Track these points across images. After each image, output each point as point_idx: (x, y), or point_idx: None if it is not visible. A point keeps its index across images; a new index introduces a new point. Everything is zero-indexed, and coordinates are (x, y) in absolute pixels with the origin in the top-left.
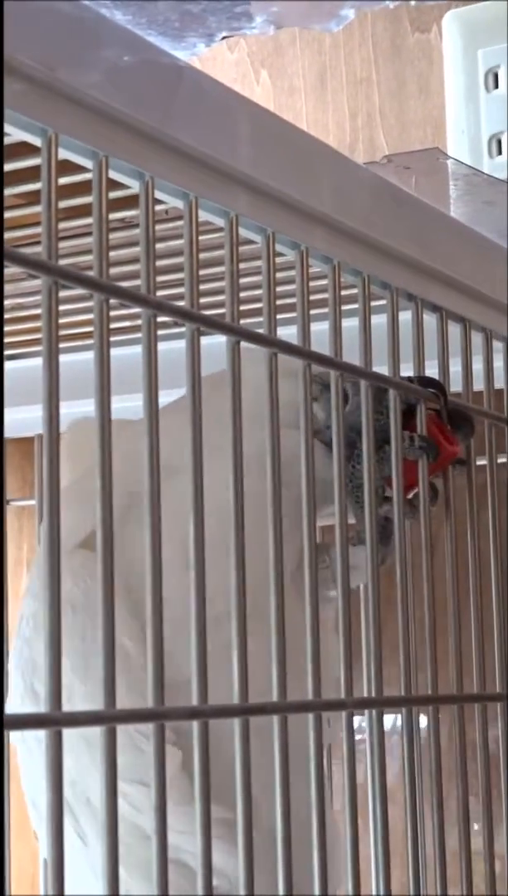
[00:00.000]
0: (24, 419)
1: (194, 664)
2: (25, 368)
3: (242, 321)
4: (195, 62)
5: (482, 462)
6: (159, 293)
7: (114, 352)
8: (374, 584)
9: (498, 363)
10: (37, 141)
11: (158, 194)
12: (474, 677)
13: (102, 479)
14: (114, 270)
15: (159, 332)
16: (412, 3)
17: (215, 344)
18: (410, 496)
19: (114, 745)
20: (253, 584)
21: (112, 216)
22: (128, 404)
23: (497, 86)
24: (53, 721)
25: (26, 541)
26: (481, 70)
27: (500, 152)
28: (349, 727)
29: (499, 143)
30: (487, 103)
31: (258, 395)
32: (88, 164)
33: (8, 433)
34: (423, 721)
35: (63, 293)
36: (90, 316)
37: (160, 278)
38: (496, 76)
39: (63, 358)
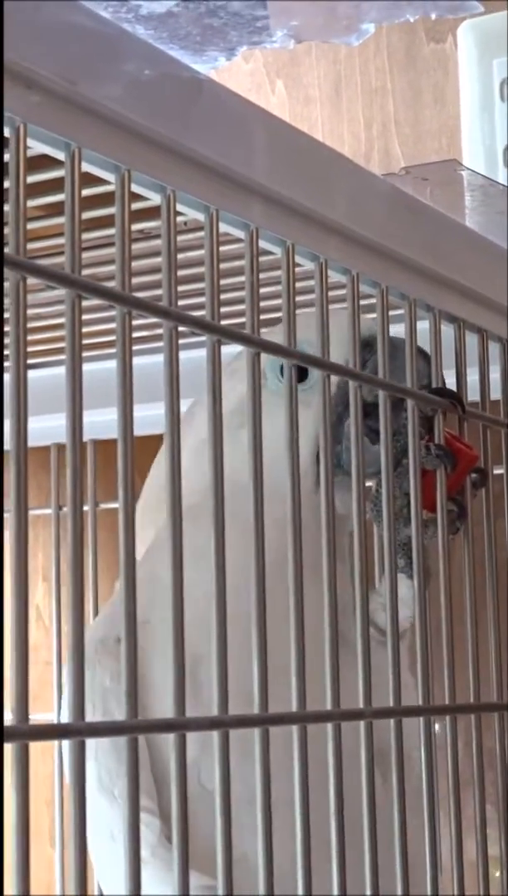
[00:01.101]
0: (41, 428)
1: (215, 674)
2: (43, 378)
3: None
4: (211, 72)
5: (499, 471)
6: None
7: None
8: (393, 600)
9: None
10: (58, 154)
11: (180, 207)
12: (493, 686)
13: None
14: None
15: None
16: (433, 15)
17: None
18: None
19: (136, 756)
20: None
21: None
22: (146, 413)
23: None
24: (76, 731)
25: (41, 549)
26: (496, 80)
27: None
28: (367, 737)
29: None
30: (502, 112)
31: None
32: (111, 177)
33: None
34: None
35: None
36: (105, 326)
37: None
38: None
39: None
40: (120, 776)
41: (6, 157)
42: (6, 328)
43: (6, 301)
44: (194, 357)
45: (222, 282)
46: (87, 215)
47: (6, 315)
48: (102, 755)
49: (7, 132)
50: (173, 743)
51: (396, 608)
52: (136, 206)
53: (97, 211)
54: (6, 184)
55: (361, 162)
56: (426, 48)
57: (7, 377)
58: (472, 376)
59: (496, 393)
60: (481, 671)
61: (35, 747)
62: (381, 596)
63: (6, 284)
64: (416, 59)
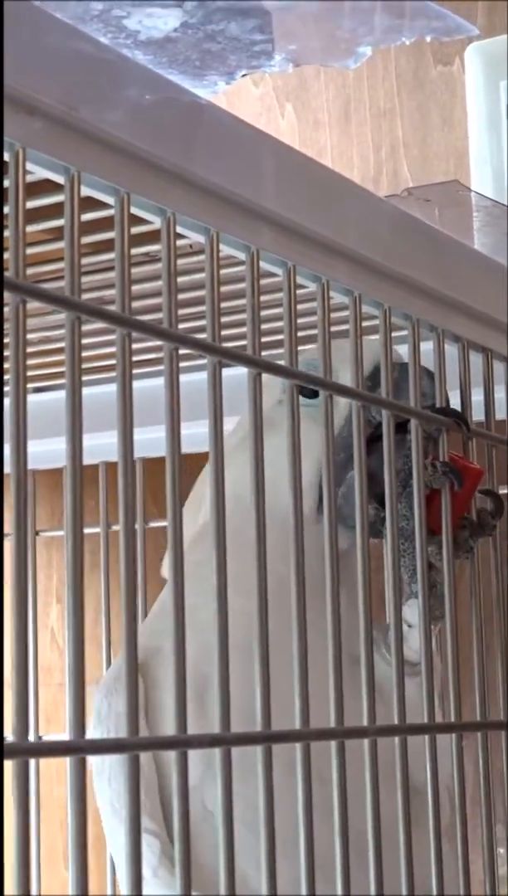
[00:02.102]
0: (55, 451)
1: (217, 692)
2: (55, 400)
3: (262, 353)
4: (221, 96)
5: (504, 491)
6: (181, 326)
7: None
8: (397, 615)
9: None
10: (60, 178)
11: (181, 229)
12: (501, 705)
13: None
14: (135, 304)
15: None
16: (428, 39)
17: (236, 375)
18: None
19: (137, 773)
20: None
21: (134, 251)
22: (149, 436)
23: None
24: (77, 748)
25: (56, 572)
26: (503, 101)
27: None
28: (372, 754)
29: None
30: None
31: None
32: (110, 200)
33: (38, 464)
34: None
35: (87, 326)
36: (109, 350)
37: (183, 311)
38: None
39: (86, 390)
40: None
41: (6, 182)
42: (6, 352)
43: (6, 324)
44: (195, 380)
45: (229, 304)
46: (91, 239)
47: (6, 339)
48: (115, 780)
49: (7, 157)
50: (175, 760)
51: (401, 629)
52: (142, 229)
53: (102, 234)
54: (6, 209)
55: (370, 184)
56: (433, 71)
57: (7, 401)
58: (476, 396)
59: (500, 412)
60: (488, 690)
61: (50, 769)
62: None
63: (6, 308)
64: (424, 81)
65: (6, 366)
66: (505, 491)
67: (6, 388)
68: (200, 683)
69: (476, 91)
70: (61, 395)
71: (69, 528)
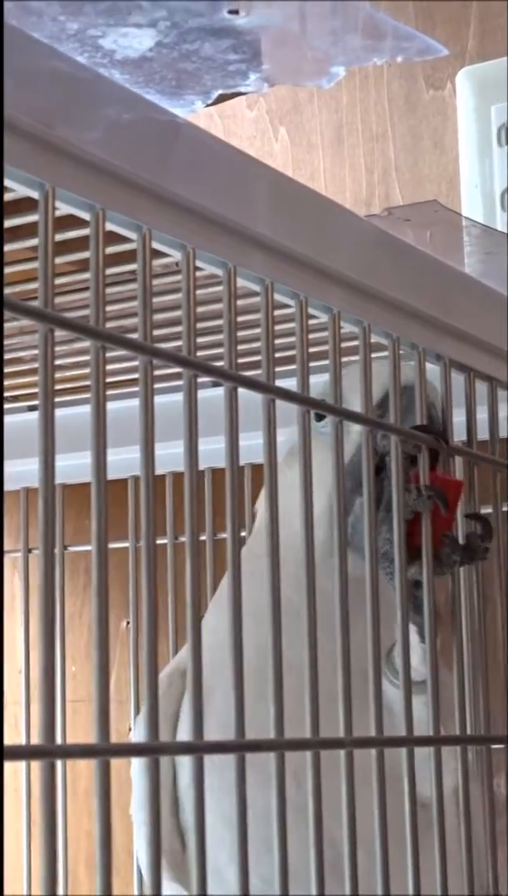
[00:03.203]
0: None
1: (190, 698)
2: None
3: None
4: (216, 119)
5: (486, 510)
6: (172, 344)
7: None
8: (374, 632)
9: (503, 412)
10: (36, 195)
11: (158, 246)
12: (482, 720)
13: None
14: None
15: (163, 385)
16: (399, 59)
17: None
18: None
19: (108, 779)
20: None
21: (124, 269)
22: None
23: None
24: (49, 753)
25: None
26: (494, 125)
27: None
28: (348, 766)
29: None
30: (500, 158)
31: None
32: (86, 216)
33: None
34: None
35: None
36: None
37: (174, 330)
38: None
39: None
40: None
41: None
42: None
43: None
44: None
45: (216, 323)
46: (80, 256)
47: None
48: (137, 776)
49: None
50: (146, 766)
51: (408, 646)
52: (126, 247)
53: (80, 254)
54: None
55: (362, 207)
56: (425, 95)
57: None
58: (458, 417)
59: (482, 433)
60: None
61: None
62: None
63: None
64: (416, 105)
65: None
66: (487, 510)
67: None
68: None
69: (467, 115)
70: (80, 409)
71: (42, 547)
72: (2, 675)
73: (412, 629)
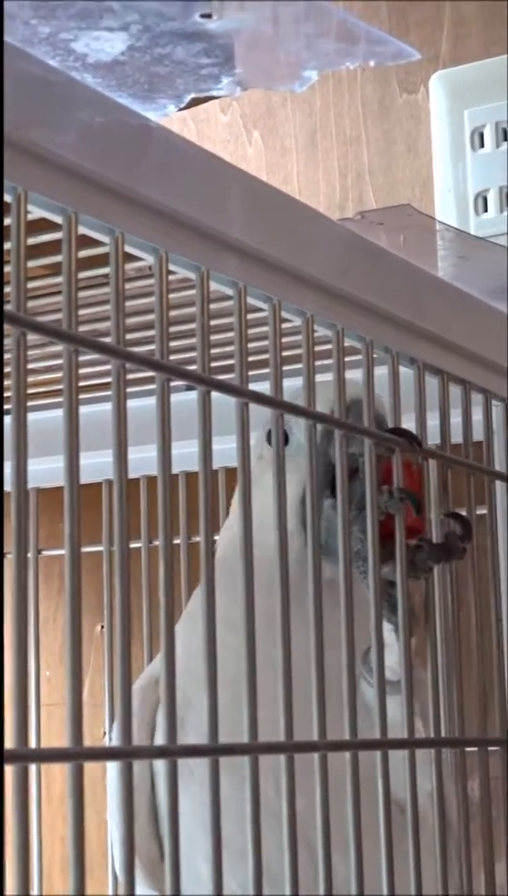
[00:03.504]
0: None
1: (164, 704)
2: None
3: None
4: (190, 123)
5: (462, 512)
6: (147, 348)
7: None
8: (349, 634)
9: (477, 416)
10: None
11: (131, 250)
12: (456, 723)
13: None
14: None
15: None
16: (372, 63)
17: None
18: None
19: (81, 783)
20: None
21: (98, 272)
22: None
23: (482, 145)
24: (21, 756)
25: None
26: (467, 129)
27: (486, 209)
28: (322, 769)
29: (485, 200)
30: (473, 161)
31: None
32: (58, 219)
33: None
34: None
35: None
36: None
37: (148, 334)
38: (481, 135)
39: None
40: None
41: None
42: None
43: None
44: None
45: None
46: (41, 262)
47: None
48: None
49: None
50: (120, 770)
51: (383, 650)
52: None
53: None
54: None
55: (335, 210)
56: (399, 99)
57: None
58: (433, 420)
59: (456, 436)
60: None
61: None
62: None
63: None
64: (389, 109)
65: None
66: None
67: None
68: (182, 706)
69: (440, 119)
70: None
71: (14, 552)
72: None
73: (389, 628)
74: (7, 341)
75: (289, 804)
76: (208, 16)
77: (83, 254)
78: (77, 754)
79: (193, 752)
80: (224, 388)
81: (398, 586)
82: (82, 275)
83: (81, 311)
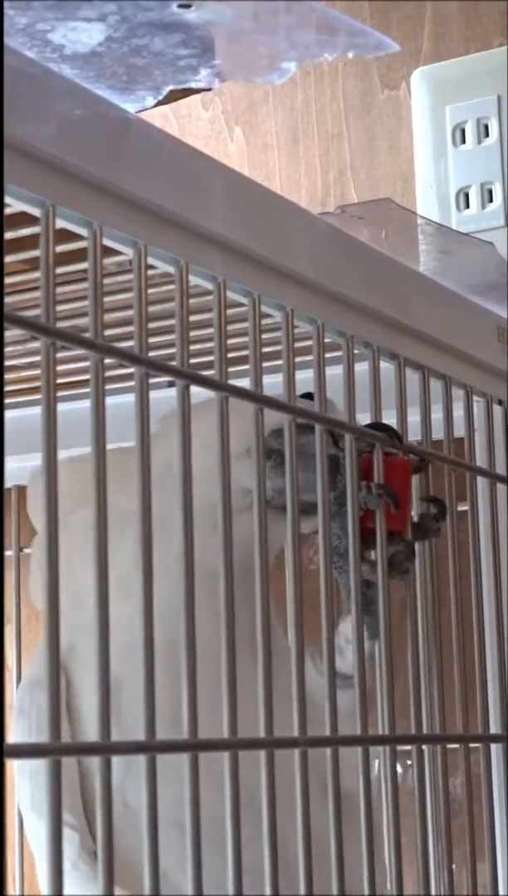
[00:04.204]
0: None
1: (143, 698)
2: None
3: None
4: (172, 119)
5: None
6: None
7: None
8: (329, 629)
9: (458, 411)
10: None
11: (110, 243)
12: (437, 718)
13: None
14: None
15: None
16: (351, 55)
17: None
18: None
19: (59, 779)
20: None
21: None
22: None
23: (464, 141)
24: None
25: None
26: (448, 126)
27: (468, 206)
28: (303, 766)
29: (467, 196)
30: (455, 158)
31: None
32: (36, 212)
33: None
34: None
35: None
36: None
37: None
38: (463, 132)
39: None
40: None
41: None
42: None
43: None
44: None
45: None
46: (21, 257)
47: None
48: (34, 774)
49: None
50: (98, 766)
51: (333, 643)
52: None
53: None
54: None
55: (318, 206)
56: (380, 95)
57: None
58: (413, 416)
59: (437, 432)
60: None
61: None
62: (338, 637)
63: None
64: (371, 105)
65: None
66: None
67: None
68: (113, 689)
69: (422, 115)
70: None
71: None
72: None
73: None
74: None
75: (269, 802)
76: (187, 6)
77: (63, 248)
78: (54, 750)
79: (171, 746)
80: (204, 382)
81: (378, 585)
82: (63, 269)
83: (63, 307)
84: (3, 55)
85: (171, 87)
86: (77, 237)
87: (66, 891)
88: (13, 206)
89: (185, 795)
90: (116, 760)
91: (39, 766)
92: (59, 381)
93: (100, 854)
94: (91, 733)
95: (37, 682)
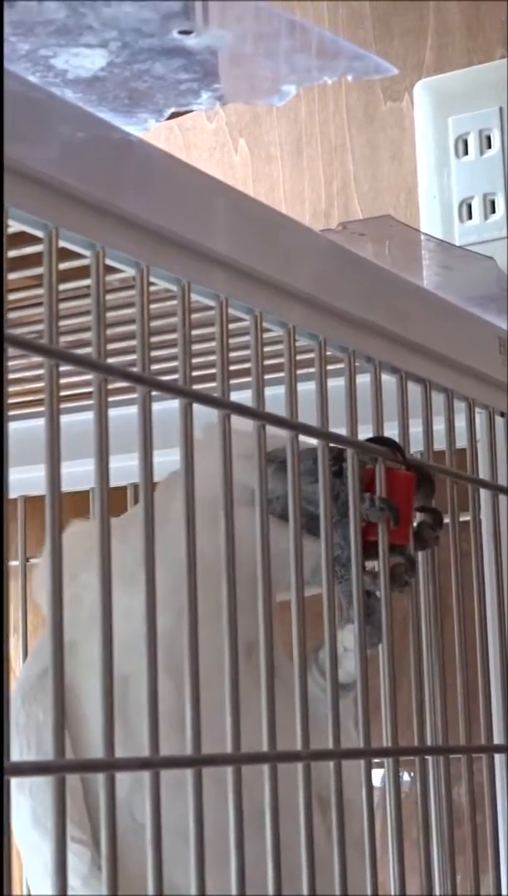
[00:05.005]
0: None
1: (147, 715)
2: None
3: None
4: (176, 132)
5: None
6: (131, 357)
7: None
8: (332, 649)
9: (460, 423)
10: None
11: (113, 263)
12: (440, 730)
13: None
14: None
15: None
16: (350, 78)
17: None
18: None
19: (63, 797)
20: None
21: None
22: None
23: (466, 152)
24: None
25: (11, 602)
26: (451, 137)
27: (471, 217)
28: (306, 779)
29: (469, 207)
30: (457, 169)
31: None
32: (39, 234)
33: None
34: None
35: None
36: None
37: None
38: (465, 143)
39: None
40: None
41: None
42: None
43: None
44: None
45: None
46: (26, 274)
47: None
48: (37, 790)
49: None
50: (102, 783)
51: (335, 656)
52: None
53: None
54: None
55: (321, 218)
56: (383, 107)
57: None
58: (415, 428)
59: (439, 444)
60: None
61: None
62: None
63: None
64: (374, 117)
65: None
66: (446, 521)
67: None
68: (118, 685)
69: (424, 127)
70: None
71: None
72: (4, 679)
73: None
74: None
75: (272, 816)
76: (188, 32)
77: (66, 265)
78: (58, 767)
79: (174, 762)
80: (206, 400)
81: (381, 597)
82: (65, 286)
83: (65, 322)
84: (4, 79)
85: (173, 110)
86: (79, 255)
87: None
88: (14, 227)
89: (189, 810)
90: (120, 774)
91: (42, 781)
92: (63, 393)
93: (104, 871)
94: (93, 735)
95: (31, 696)
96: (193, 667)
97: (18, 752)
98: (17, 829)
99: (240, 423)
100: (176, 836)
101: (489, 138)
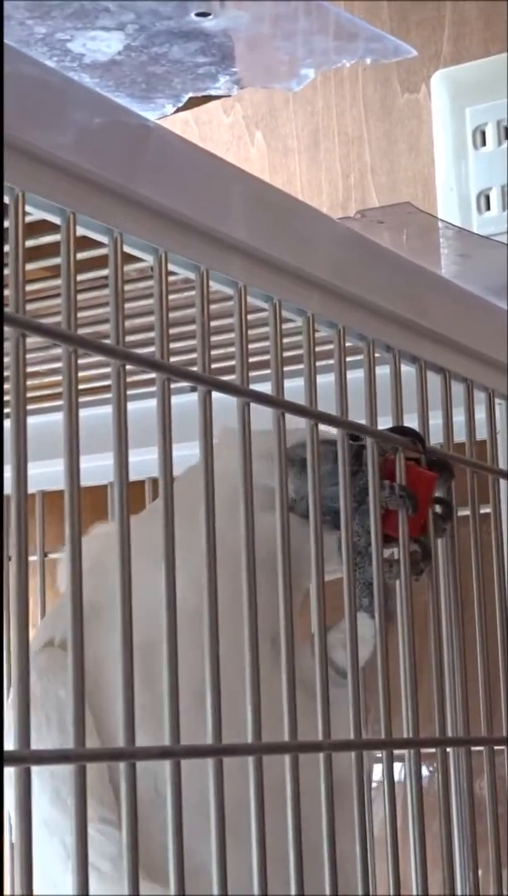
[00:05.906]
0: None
1: (166, 706)
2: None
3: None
4: (192, 125)
5: (464, 513)
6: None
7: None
8: (353, 635)
9: (480, 414)
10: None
11: (130, 250)
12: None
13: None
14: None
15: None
16: (368, 61)
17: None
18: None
19: (83, 785)
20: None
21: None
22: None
23: (484, 143)
24: (20, 759)
25: (31, 595)
26: (469, 128)
27: (489, 208)
28: (327, 769)
29: (487, 198)
30: (475, 160)
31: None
32: (57, 220)
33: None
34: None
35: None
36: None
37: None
38: (483, 134)
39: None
40: None
41: None
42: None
43: None
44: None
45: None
46: (43, 264)
47: None
48: (56, 770)
49: None
50: (123, 771)
51: (356, 643)
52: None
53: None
54: None
55: (338, 210)
56: (400, 98)
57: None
58: (434, 419)
59: (459, 435)
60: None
61: None
62: (342, 633)
63: None
64: (391, 109)
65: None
66: (465, 513)
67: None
68: (145, 648)
69: (442, 118)
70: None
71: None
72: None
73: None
74: (6, 345)
75: (293, 806)
76: (205, 14)
77: (84, 256)
78: (78, 756)
79: (195, 752)
80: (225, 387)
81: (401, 588)
82: (83, 276)
83: (84, 314)
84: (3, 56)
85: (190, 95)
86: (98, 244)
87: (111, 890)
88: (34, 214)
89: (210, 798)
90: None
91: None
92: (81, 387)
93: (125, 860)
94: (115, 702)
95: (47, 669)
96: (213, 656)
97: (37, 726)
98: (34, 806)
99: (258, 423)
100: (199, 813)
101: (506, 129)
